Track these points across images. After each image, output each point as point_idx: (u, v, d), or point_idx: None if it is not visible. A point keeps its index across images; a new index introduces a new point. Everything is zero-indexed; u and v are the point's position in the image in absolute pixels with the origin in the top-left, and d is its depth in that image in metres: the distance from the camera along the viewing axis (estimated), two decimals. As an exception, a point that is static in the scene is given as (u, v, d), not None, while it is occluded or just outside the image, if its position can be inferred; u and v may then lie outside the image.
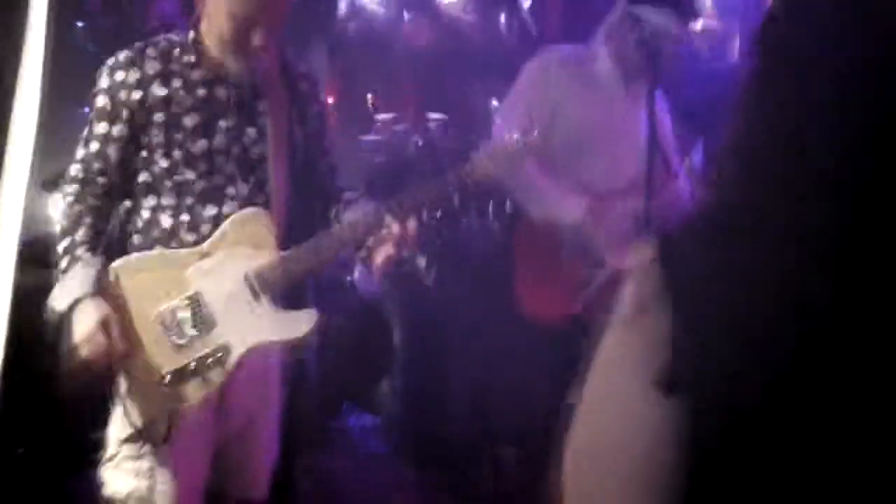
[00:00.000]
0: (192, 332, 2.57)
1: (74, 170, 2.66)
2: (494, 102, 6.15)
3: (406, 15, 6.87)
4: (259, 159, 2.66)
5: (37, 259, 2.58)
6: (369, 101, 5.75)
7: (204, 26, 2.63)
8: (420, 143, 5.38)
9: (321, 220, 2.82)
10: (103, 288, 2.55)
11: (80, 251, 2.56)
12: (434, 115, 5.53)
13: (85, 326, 2.47)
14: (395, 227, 2.57)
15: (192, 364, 2.56)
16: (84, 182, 2.64)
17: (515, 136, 2.70)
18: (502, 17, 6.82)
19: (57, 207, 2.70)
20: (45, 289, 2.56)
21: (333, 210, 2.83)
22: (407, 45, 6.83)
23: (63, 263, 2.55)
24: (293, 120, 2.73)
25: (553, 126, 3.34)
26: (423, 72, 6.76)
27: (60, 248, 2.58)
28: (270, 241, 2.63)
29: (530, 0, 6.39)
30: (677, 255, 0.98)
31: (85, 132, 2.65)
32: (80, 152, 2.66)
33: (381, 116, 5.66)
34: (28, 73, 2.04)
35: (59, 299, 2.52)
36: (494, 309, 3.73)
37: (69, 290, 2.51)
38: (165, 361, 2.57)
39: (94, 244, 2.59)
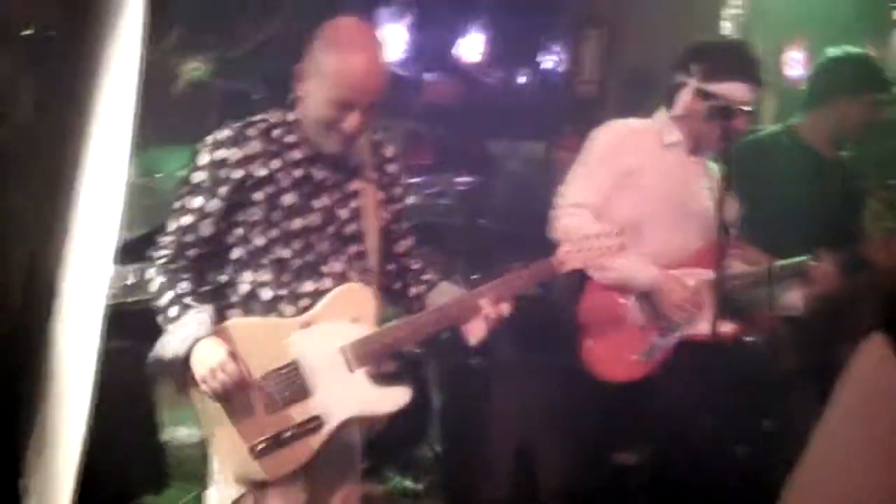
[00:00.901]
0: (288, 400, 2.63)
1: (165, 241, 2.72)
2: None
3: (427, 75, 6.94)
4: (352, 237, 2.74)
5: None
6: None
7: (302, 107, 2.69)
8: (449, 204, 5.43)
9: (404, 299, 2.88)
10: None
11: (188, 300, 2.65)
12: (462, 179, 5.58)
13: (215, 357, 2.56)
14: (489, 310, 2.66)
15: (287, 433, 2.62)
16: (175, 254, 2.71)
17: (602, 236, 2.75)
18: (523, 76, 6.90)
19: (137, 276, 2.78)
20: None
21: (414, 290, 2.91)
22: (429, 103, 6.89)
23: (172, 312, 2.63)
24: (382, 200, 2.81)
25: (624, 196, 3.37)
26: (447, 131, 6.85)
27: (164, 301, 2.65)
28: (370, 316, 2.70)
29: (556, 59, 6.44)
30: None
31: (177, 204, 2.71)
32: (171, 224, 2.71)
33: (412, 181, 5.70)
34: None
35: (175, 343, 2.59)
36: (548, 368, 3.77)
37: (187, 332, 2.59)
38: (259, 427, 2.63)
39: (198, 296, 2.67)
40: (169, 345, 2.61)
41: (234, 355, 2.60)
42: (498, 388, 4.38)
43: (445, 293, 2.84)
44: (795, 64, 6.92)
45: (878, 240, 3.47)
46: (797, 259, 3.39)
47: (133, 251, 3.49)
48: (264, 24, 5.88)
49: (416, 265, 2.94)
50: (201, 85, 5.73)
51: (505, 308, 2.68)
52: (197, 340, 2.59)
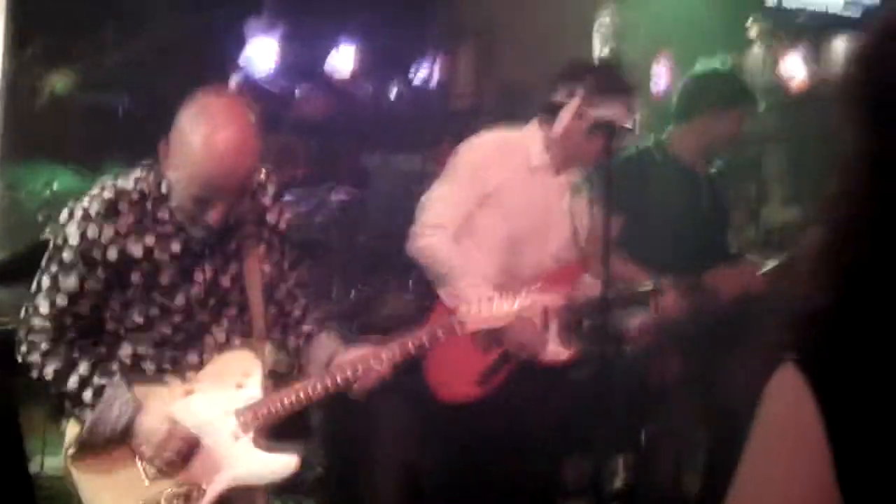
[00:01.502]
0: (169, 468, 2.56)
1: (38, 324, 2.56)
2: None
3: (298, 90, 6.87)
4: (236, 301, 2.66)
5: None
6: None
7: (171, 182, 2.55)
8: (324, 221, 5.39)
9: (284, 349, 2.82)
10: None
11: (96, 379, 2.53)
12: (338, 197, 5.54)
13: (158, 434, 2.52)
14: (380, 370, 2.68)
15: (162, 501, 2.55)
16: (56, 337, 2.56)
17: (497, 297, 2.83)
18: (396, 88, 6.90)
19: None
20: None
21: (294, 342, 2.82)
22: (301, 117, 6.83)
23: (87, 396, 2.52)
24: (263, 255, 2.71)
25: (485, 215, 3.38)
26: (318, 144, 6.79)
27: (71, 386, 2.53)
28: (255, 381, 2.64)
29: (427, 71, 6.47)
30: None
31: (46, 281, 2.56)
32: (42, 303, 2.55)
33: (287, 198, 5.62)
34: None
35: (109, 425, 2.51)
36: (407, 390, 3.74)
37: (118, 412, 2.51)
38: (139, 495, 2.56)
39: (103, 371, 2.56)
40: (103, 426, 2.52)
41: (174, 422, 2.54)
42: (375, 406, 4.36)
43: (324, 347, 2.76)
44: (659, 78, 7.11)
45: (724, 268, 3.57)
46: (641, 288, 3.46)
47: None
48: (132, 36, 5.76)
49: (296, 311, 2.83)
50: (66, 98, 5.56)
51: (389, 368, 2.70)
52: (133, 417, 2.51)
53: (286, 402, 2.62)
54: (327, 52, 6.77)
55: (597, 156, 3.35)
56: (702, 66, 3.86)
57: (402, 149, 6.45)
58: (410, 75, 7.01)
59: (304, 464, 4.64)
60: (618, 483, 4.08)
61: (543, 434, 3.41)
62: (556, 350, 3.40)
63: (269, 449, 2.63)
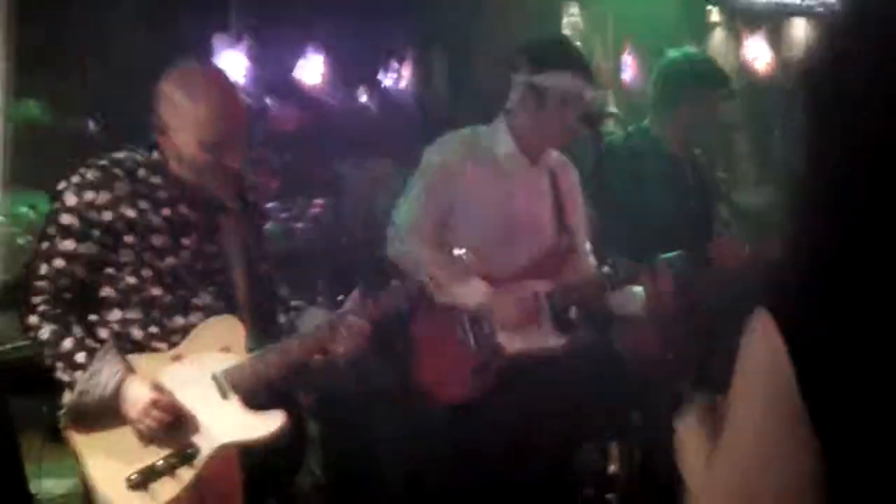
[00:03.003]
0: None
1: (39, 286, 2.65)
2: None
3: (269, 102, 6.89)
4: (221, 270, 2.77)
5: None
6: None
7: (167, 152, 2.71)
8: (304, 229, 5.42)
9: (274, 325, 2.87)
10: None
11: (89, 342, 2.62)
12: (314, 209, 5.57)
13: (145, 397, 2.56)
14: (357, 327, 2.74)
15: (161, 462, 2.60)
16: (53, 299, 2.64)
17: (460, 254, 2.81)
18: (366, 96, 6.93)
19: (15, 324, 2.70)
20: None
21: (284, 318, 2.92)
22: (273, 129, 6.85)
23: (80, 358, 2.58)
24: (246, 231, 2.84)
25: (455, 216, 3.39)
26: (294, 156, 6.80)
27: (64, 348, 2.60)
28: (239, 345, 2.72)
29: (395, 77, 6.50)
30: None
31: (44, 246, 2.65)
32: (41, 267, 2.65)
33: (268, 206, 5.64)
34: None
35: (98, 389, 2.56)
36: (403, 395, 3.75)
37: (107, 375, 2.56)
38: (135, 459, 2.61)
39: (93, 339, 2.64)
40: (93, 390, 2.57)
41: (160, 390, 2.60)
42: (374, 412, 4.38)
43: (315, 318, 2.87)
44: (627, 67, 7.20)
45: (720, 240, 3.58)
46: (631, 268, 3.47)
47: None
48: (100, 61, 5.75)
49: (282, 291, 2.97)
50: (38, 124, 5.55)
51: (367, 330, 2.75)
52: (121, 382, 2.56)
53: (271, 361, 2.70)
54: (296, 63, 6.80)
55: (568, 133, 3.36)
56: (675, 51, 3.88)
57: (375, 155, 6.48)
58: (381, 82, 7.04)
59: (303, 470, 4.69)
60: (612, 468, 4.10)
61: (548, 427, 3.40)
62: (550, 338, 3.40)
63: (256, 408, 2.70)
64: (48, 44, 5.63)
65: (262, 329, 2.84)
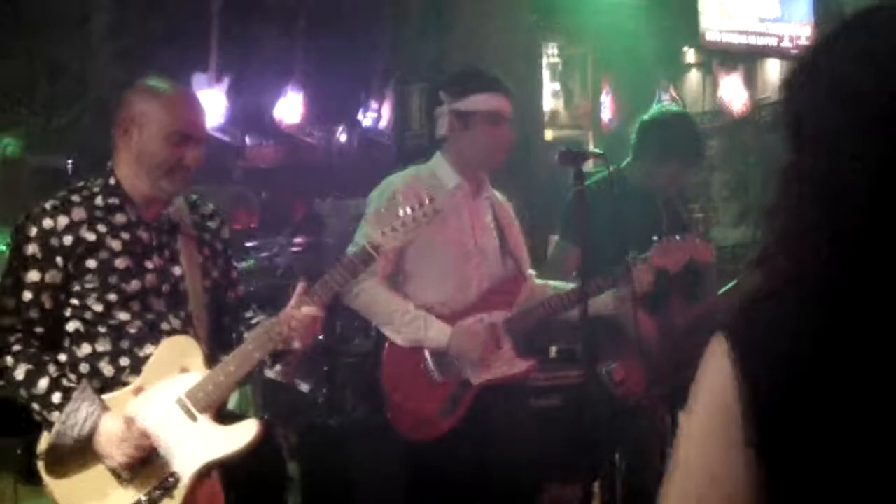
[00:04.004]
0: (138, 467, 2.56)
1: (9, 323, 2.60)
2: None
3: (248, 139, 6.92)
4: (184, 294, 2.73)
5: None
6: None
7: (123, 171, 2.69)
8: (283, 267, 5.42)
9: (235, 345, 2.87)
10: None
11: (64, 382, 2.56)
12: (295, 246, 5.56)
13: (116, 433, 2.52)
14: (311, 312, 2.66)
15: (143, 499, 2.55)
16: (25, 336, 2.60)
17: (412, 214, 2.80)
18: (345, 133, 6.96)
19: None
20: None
21: (237, 335, 2.87)
22: (252, 167, 6.87)
23: (56, 398, 2.54)
24: (208, 256, 2.81)
25: (407, 251, 3.37)
26: (270, 192, 6.81)
27: (40, 389, 2.54)
28: (198, 363, 2.67)
29: (375, 116, 6.54)
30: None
31: (9, 281, 2.60)
32: (9, 302, 2.60)
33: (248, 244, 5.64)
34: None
35: (76, 429, 2.53)
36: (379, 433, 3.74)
37: (85, 414, 2.53)
38: (117, 500, 2.56)
39: (69, 378, 2.60)
40: (70, 431, 2.53)
41: (131, 423, 2.55)
42: (354, 448, 4.36)
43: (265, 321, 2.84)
44: (604, 107, 7.26)
45: (665, 242, 3.62)
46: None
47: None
48: (77, 98, 5.75)
49: (248, 314, 2.88)
50: (14, 161, 5.53)
51: (319, 311, 2.67)
52: (97, 421, 2.52)
53: (230, 371, 2.65)
54: (275, 101, 6.82)
55: (499, 152, 3.41)
56: (657, 108, 3.97)
57: (355, 193, 6.50)
58: (359, 119, 7.08)
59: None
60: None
61: (518, 462, 3.40)
62: (513, 363, 3.40)
63: (226, 422, 2.66)
64: (27, 81, 5.64)
65: (224, 352, 2.83)
